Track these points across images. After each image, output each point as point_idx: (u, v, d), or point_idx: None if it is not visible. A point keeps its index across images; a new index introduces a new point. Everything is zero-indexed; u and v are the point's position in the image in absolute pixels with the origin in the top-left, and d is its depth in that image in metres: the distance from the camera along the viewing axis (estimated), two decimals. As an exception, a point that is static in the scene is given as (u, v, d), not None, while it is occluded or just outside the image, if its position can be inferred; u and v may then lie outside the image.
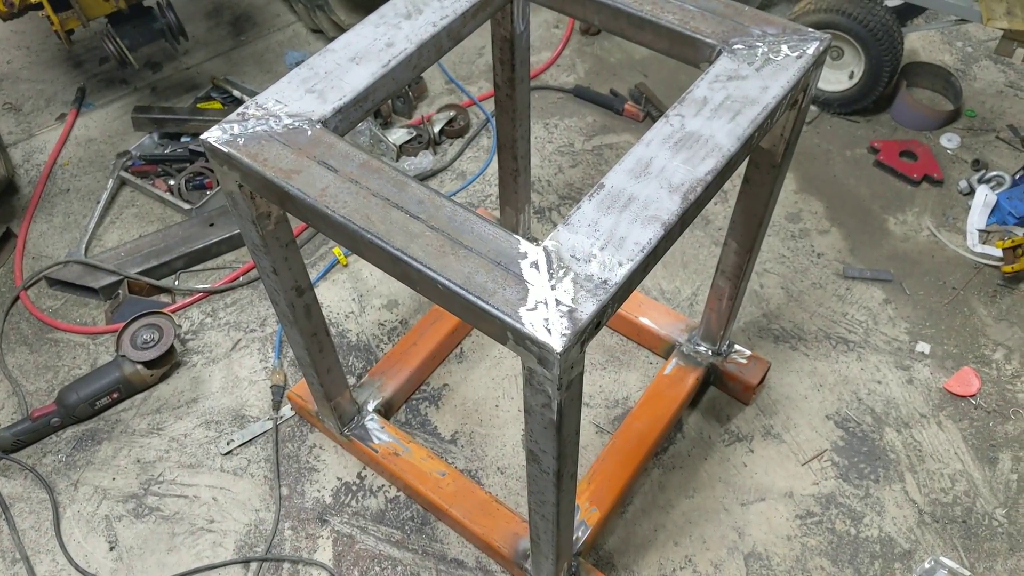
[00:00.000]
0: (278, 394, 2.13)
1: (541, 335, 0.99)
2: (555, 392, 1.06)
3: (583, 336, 1.01)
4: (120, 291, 2.33)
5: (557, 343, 0.98)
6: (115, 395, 2.10)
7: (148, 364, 2.11)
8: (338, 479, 1.99)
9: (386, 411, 2.03)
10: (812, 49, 1.31)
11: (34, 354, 2.26)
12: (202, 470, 2.02)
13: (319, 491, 1.98)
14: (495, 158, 2.59)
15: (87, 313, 2.34)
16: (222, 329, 2.29)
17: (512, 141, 1.99)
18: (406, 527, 1.92)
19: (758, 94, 1.25)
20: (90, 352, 2.25)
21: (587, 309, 1.01)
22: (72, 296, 2.38)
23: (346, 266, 2.43)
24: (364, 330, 2.29)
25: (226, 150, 1.22)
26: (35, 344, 2.28)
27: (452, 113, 2.80)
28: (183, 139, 2.74)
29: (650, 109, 2.84)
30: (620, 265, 1.06)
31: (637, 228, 1.10)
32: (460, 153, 2.74)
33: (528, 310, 1.01)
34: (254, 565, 1.86)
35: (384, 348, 2.25)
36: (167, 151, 2.72)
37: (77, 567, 1.86)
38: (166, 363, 2.16)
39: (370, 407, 1.98)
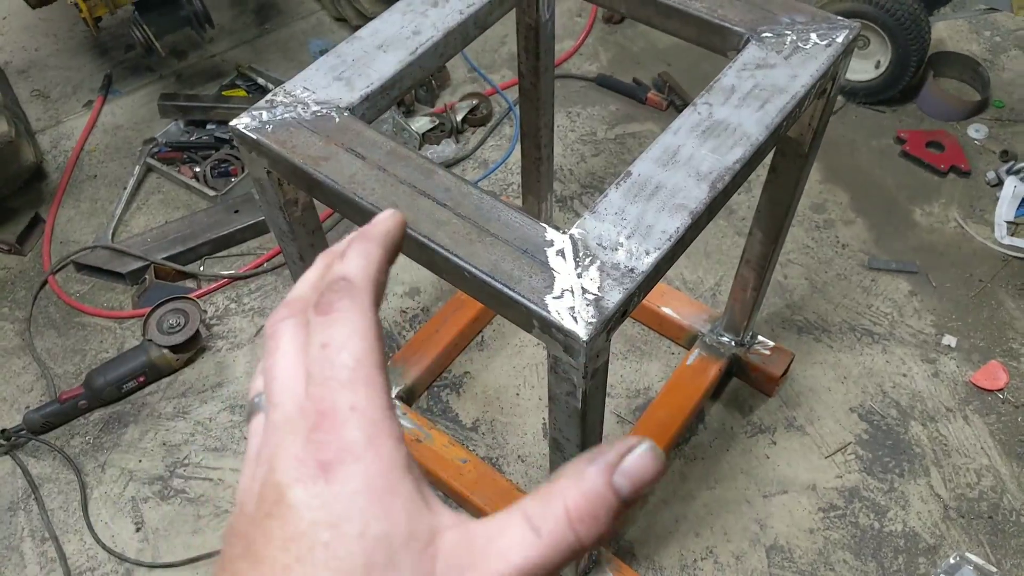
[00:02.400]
0: (301, 380, 2.15)
1: (567, 323, 0.99)
2: (580, 380, 1.06)
3: (609, 325, 1.01)
4: (146, 276, 2.35)
5: (583, 331, 0.98)
6: (141, 379, 2.13)
7: (174, 349, 2.13)
8: (360, 465, 2.01)
9: (408, 398, 2.05)
10: (841, 37, 1.30)
11: (62, 338, 2.29)
12: (227, 454, 2.04)
13: (341, 476, 1.99)
14: (517, 146, 2.59)
15: (114, 298, 2.37)
16: (246, 315, 2.31)
17: (536, 130, 1.98)
18: (427, 513, 1.93)
19: (787, 83, 1.24)
20: (117, 336, 2.28)
21: (614, 298, 1.01)
22: (99, 281, 2.41)
23: (369, 254, 2.44)
24: (386, 317, 2.30)
25: (255, 137, 1.23)
26: (63, 328, 2.31)
27: (475, 101, 2.80)
28: (208, 126, 2.76)
29: (673, 98, 2.82)
30: (647, 254, 1.06)
31: (664, 216, 1.09)
32: (482, 141, 2.74)
33: (554, 298, 1.01)
34: (277, 548, 1.88)
35: (406, 335, 2.26)
36: (193, 138, 2.74)
37: (104, 546, 1.89)
38: (191, 348, 2.19)
39: (392, 393, 1.99)
